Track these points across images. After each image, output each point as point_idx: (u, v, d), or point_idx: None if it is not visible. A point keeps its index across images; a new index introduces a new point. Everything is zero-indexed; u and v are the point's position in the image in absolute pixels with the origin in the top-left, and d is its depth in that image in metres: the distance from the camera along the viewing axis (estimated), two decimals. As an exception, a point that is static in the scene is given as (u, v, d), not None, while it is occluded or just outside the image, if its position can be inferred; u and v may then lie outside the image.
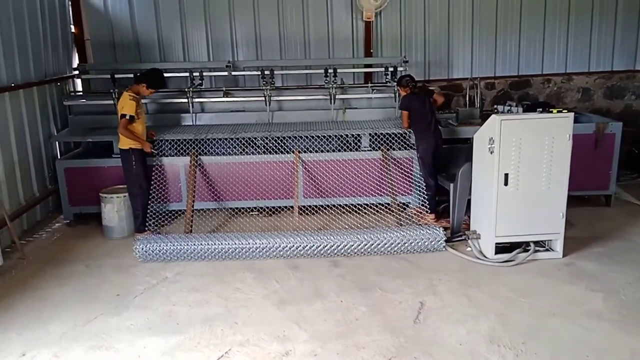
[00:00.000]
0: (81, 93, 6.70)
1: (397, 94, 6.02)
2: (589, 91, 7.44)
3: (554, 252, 4.62)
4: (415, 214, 5.52)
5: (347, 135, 5.90)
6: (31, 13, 5.68)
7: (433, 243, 4.78)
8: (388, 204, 5.57)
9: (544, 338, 3.43)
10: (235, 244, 4.74)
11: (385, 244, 4.75)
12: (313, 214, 5.62)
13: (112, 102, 5.98)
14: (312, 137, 5.82)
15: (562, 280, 4.24)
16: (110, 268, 4.70)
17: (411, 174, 5.66)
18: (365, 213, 5.49)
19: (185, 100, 6.09)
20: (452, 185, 5.07)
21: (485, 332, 3.52)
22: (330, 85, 6.02)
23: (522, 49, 7.29)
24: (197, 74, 6.21)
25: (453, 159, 5.39)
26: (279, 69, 6.68)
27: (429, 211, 5.39)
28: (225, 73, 6.41)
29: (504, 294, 4.01)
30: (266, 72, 6.09)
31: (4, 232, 4.95)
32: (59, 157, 6.11)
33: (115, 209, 5.36)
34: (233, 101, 6.23)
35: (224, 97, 6.20)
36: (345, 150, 5.86)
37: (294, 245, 4.74)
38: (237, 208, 5.93)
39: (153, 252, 4.74)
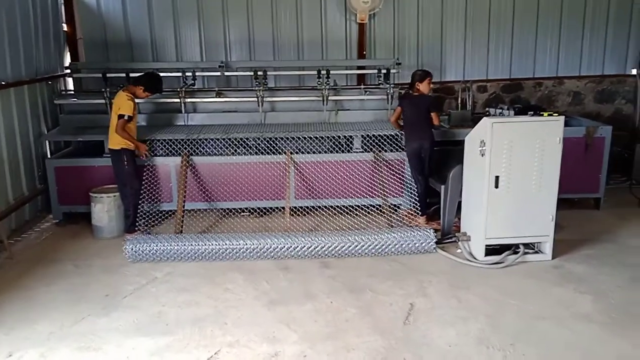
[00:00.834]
0: (72, 92, 6.65)
1: (389, 96, 6.05)
2: (579, 95, 7.49)
3: (543, 254, 4.65)
4: (406, 216, 5.54)
5: (339, 137, 5.90)
6: (23, 11, 5.63)
7: (424, 245, 4.79)
8: (379, 206, 5.58)
9: (532, 340, 3.45)
10: (226, 244, 4.72)
11: (376, 245, 4.75)
12: (304, 215, 5.61)
13: (103, 101, 5.95)
14: (304, 138, 5.81)
15: (551, 282, 4.26)
16: (99, 268, 4.67)
17: (402, 176, 5.67)
18: (356, 214, 5.50)
19: (178, 100, 6.07)
20: (443, 187, 5.08)
21: (474, 333, 3.53)
22: (323, 87, 6.01)
23: (514, 53, 7.33)
24: (190, 74, 6.19)
25: (444, 161, 5.41)
26: (272, 69, 6.67)
27: (420, 213, 5.41)
28: (218, 73, 6.39)
29: (494, 296, 4.03)
30: (259, 73, 6.07)
31: (-8, 231, 4.91)
32: (49, 156, 6.07)
33: (105, 209, 5.33)
34: (225, 102, 6.21)
35: (216, 97, 6.18)
36: (337, 151, 5.86)
37: (284, 246, 4.73)
38: (228, 209, 5.91)
39: (143, 252, 4.72)
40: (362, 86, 6.41)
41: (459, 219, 5.00)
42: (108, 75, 6.11)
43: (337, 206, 5.60)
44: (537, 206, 4.51)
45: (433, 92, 6.75)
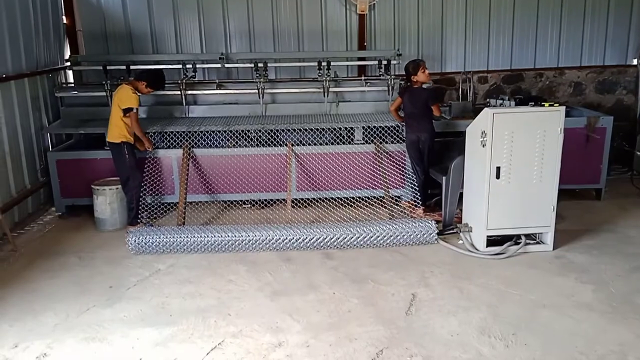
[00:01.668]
0: (73, 84, 6.65)
1: (390, 88, 6.04)
2: (580, 85, 7.48)
3: (545, 244, 4.67)
4: (407, 207, 5.55)
5: (340, 128, 5.90)
6: (22, 3, 5.61)
7: (425, 236, 4.81)
8: (381, 197, 5.59)
9: (534, 329, 3.47)
10: (228, 236, 4.74)
11: (378, 236, 4.77)
12: (306, 206, 5.63)
13: (104, 93, 5.94)
14: (305, 130, 5.82)
15: (552, 272, 4.28)
16: (102, 260, 4.69)
17: (404, 167, 5.68)
18: (358, 206, 5.51)
19: (178, 92, 6.07)
20: (444, 178, 5.09)
21: (476, 323, 3.56)
22: (324, 78, 6.01)
23: (515, 43, 7.31)
24: (190, 65, 6.18)
25: (446, 152, 5.42)
26: (272, 61, 6.66)
27: (420, 204, 5.42)
28: (218, 65, 6.39)
29: (495, 286, 4.05)
30: (259, 65, 6.06)
31: (-5, 224, 4.93)
32: (50, 148, 6.07)
33: (107, 201, 5.34)
34: (226, 93, 6.22)
35: (216, 89, 6.18)
36: (338, 143, 5.87)
37: (287, 238, 4.75)
38: (230, 201, 5.93)
39: (146, 244, 4.74)
40: (363, 77, 6.40)
41: (461, 210, 5.02)
42: (108, 67, 6.11)
43: (339, 198, 5.62)
44: (538, 197, 4.53)
45: (433, 83, 6.74)
